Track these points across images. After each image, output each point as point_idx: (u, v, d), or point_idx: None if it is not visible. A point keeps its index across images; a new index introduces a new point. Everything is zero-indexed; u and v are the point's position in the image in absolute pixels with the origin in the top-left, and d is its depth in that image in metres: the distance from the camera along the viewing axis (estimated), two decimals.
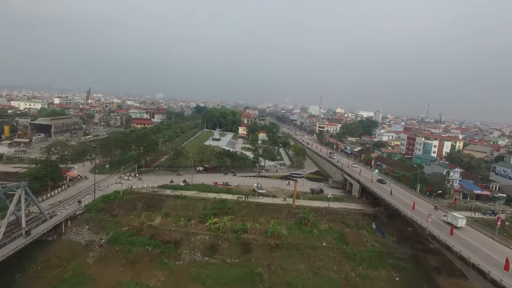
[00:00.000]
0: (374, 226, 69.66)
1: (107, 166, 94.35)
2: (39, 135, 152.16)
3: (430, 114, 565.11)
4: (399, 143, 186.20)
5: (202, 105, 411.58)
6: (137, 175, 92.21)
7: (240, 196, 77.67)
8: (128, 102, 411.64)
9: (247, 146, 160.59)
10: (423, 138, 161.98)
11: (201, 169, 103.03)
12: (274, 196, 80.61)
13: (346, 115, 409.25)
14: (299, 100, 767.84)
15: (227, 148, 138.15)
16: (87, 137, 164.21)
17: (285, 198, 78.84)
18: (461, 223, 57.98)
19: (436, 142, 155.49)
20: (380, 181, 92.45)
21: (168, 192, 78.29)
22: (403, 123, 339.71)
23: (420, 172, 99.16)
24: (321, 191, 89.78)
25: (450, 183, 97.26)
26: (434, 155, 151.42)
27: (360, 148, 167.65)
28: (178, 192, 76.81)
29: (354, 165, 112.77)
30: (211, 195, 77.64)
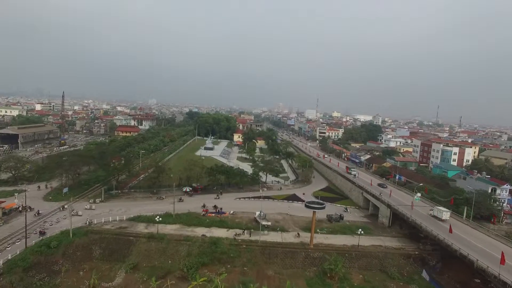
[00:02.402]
0: (425, 275, 50.07)
1: (65, 190, 73.23)
2: (2, 146, 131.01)
3: (427, 117, 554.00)
4: (410, 149, 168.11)
5: (195, 110, 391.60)
6: (88, 206, 68.19)
7: (238, 232, 57.71)
8: (118, 108, 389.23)
9: (244, 155, 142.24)
10: (441, 145, 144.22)
11: (188, 189, 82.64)
12: (283, 230, 60.68)
13: (345, 120, 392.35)
14: (293, 103, 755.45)
15: (220, 160, 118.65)
16: (62, 147, 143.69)
17: (298, 234, 58.82)
18: (446, 215, 60.93)
19: (456, 149, 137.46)
20: (381, 185, 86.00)
21: (141, 227, 57.96)
22: (406, 127, 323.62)
23: (460, 189, 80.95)
24: (341, 217, 70.68)
25: (497, 203, 78.40)
26: (454, 163, 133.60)
27: (369, 156, 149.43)
28: (154, 228, 56.62)
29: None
30: (199, 231, 57.70)
